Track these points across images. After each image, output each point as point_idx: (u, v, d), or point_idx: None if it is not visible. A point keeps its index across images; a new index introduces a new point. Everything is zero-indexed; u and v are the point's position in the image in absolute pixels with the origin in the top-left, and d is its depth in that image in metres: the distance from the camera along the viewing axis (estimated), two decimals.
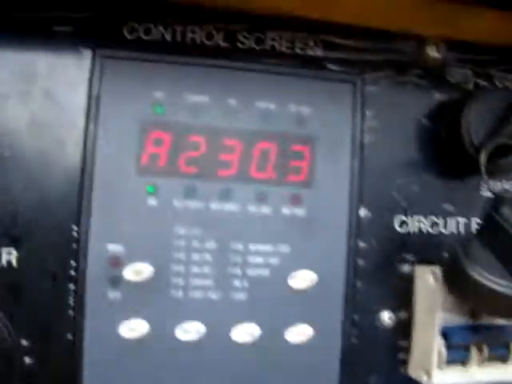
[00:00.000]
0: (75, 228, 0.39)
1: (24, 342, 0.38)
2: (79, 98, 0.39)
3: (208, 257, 0.40)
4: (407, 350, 0.43)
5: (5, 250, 0.38)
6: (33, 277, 0.39)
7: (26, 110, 0.39)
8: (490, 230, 0.38)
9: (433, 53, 0.44)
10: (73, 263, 0.39)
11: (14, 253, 0.38)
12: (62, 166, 0.39)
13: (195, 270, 0.40)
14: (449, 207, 0.44)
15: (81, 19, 0.40)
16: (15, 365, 0.38)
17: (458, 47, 0.45)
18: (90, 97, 0.39)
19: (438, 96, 0.45)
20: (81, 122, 0.39)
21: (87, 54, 0.39)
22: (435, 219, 0.44)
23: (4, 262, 0.38)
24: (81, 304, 0.38)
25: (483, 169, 0.40)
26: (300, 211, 0.41)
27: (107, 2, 0.40)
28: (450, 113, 0.43)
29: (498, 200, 0.38)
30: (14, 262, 0.38)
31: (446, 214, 0.44)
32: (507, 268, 0.37)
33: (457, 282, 0.39)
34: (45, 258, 0.39)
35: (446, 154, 0.44)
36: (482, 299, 0.37)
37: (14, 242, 0.38)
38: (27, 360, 0.38)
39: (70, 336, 0.38)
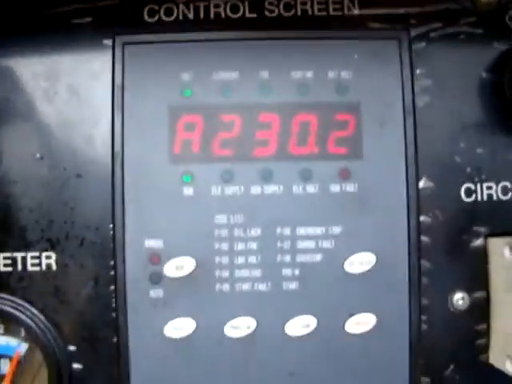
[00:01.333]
0: (111, 226, 0.37)
1: (71, 348, 0.37)
2: (104, 90, 0.37)
3: (253, 245, 0.37)
4: (486, 334, 0.38)
5: (44, 254, 0.37)
6: (74, 280, 0.37)
7: (52, 107, 0.38)
8: None
9: None
10: (111, 263, 0.37)
11: (54, 256, 0.37)
12: (93, 162, 0.37)
13: (241, 260, 0.37)
14: None
15: (99, 9, 0.38)
16: (64, 371, 0.37)
17: None
18: (113, 87, 0.37)
19: (498, 45, 0.39)
20: (108, 115, 0.37)
21: (107, 44, 0.37)
22: (508, 184, 0.38)
23: (44, 266, 0.37)
24: (123, 305, 0.36)
25: None
26: (350, 187, 0.37)
27: None
28: None
29: None
30: (54, 266, 0.37)
31: None
32: None
33: None
34: (84, 260, 0.37)
35: None
36: None
37: (52, 246, 0.37)
38: (75, 365, 0.37)
39: (115, 339, 0.37)
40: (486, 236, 0.38)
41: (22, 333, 0.37)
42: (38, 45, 0.38)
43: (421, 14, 0.39)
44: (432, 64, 0.39)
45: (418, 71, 0.38)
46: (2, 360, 0.37)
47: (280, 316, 0.37)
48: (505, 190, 0.38)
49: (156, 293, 0.36)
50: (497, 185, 0.38)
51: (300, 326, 0.37)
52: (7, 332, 0.38)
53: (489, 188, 0.38)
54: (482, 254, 0.38)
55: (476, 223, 0.38)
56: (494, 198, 0.38)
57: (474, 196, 0.38)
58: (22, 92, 0.38)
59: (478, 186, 0.38)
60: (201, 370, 0.36)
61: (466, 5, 0.39)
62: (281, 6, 0.38)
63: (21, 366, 0.37)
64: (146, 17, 0.38)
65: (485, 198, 0.38)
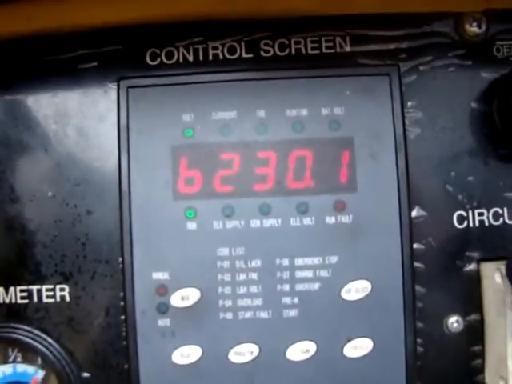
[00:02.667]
0: (120, 260, 0.39)
1: (85, 374, 0.39)
2: (111, 131, 0.40)
3: (254, 276, 0.39)
4: (481, 356, 0.39)
5: (58, 286, 0.39)
6: (86, 310, 0.40)
7: (63, 148, 0.40)
8: None
9: (473, 28, 0.40)
10: (121, 294, 0.39)
11: (67, 288, 0.39)
12: (102, 199, 0.40)
13: (243, 290, 0.39)
14: None
15: (104, 54, 0.40)
16: None
17: (501, 17, 0.41)
18: (119, 128, 0.39)
19: (487, 75, 0.41)
20: (115, 154, 0.39)
21: (112, 87, 0.40)
22: (499, 210, 0.40)
23: (58, 298, 0.39)
24: (133, 334, 0.38)
25: None
26: (345, 218, 0.39)
27: (127, 33, 0.40)
28: (502, 91, 0.39)
29: None
30: (68, 298, 0.39)
31: (510, 204, 0.40)
32: None
33: None
34: (96, 292, 0.40)
35: (502, 138, 0.40)
36: None
37: (65, 279, 0.39)
38: None
39: (126, 366, 0.39)
40: (479, 261, 0.40)
41: (39, 361, 0.40)
42: (47, 89, 0.41)
43: (410, 48, 0.40)
44: (422, 96, 0.40)
45: (408, 104, 0.40)
46: None
47: (281, 342, 0.38)
48: (496, 216, 0.40)
49: (164, 322, 0.38)
50: (488, 211, 0.40)
51: (300, 351, 0.38)
52: (25, 360, 0.40)
53: (480, 214, 0.40)
54: (475, 279, 0.40)
55: (469, 249, 0.40)
56: (486, 223, 0.40)
57: (466, 223, 0.40)
58: (34, 133, 0.40)
59: (470, 212, 0.40)
60: None
61: (454, 38, 0.41)
62: (276, 46, 0.40)
63: None
64: (148, 60, 0.40)
65: (477, 224, 0.40)
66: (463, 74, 0.41)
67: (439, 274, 0.40)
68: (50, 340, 0.39)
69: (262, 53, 0.40)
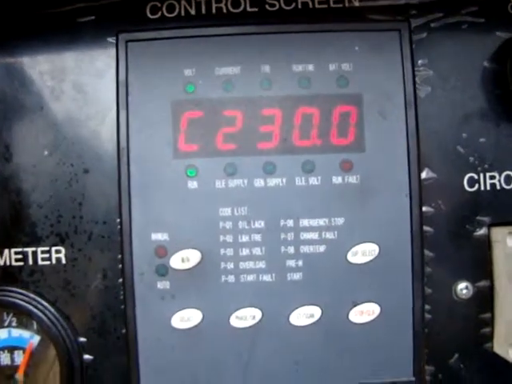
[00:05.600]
0: (118, 220, 0.38)
1: (82, 339, 0.38)
2: (109, 87, 0.38)
3: (257, 237, 0.37)
4: (490, 323, 0.38)
5: (53, 248, 0.38)
6: (83, 273, 0.38)
7: (59, 105, 0.39)
8: None
9: None
10: (119, 256, 0.38)
11: (63, 250, 0.38)
12: (99, 157, 0.38)
13: (245, 252, 0.37)
14: None
15: (103, 7, 0.39)
16: (75, 362, 0.38)
17: None
18: (117, 83, 0.38)
19: (500, 34, 0.39)
20: (113, 111, 0.38)
21: (111, 41, 0.38)
22: (511, 173, 0.38)
23: (54, 260, 0.38)
24: (131, 297, 0.37)
25: None
26: (352, 178, 0.37)
27: None
28: None
29: None
30: (64, 260, 0.38)
31: None
32: None
33: None
34: (92, 254, 0.38)
35: None
36: None
37: (61, 240, 0.38)
38: (86, 356, 0.38)
39: (123, 330, 0.38)
40: (489, 225, 0.38)
41: (35, 325, 0.39)
42: (43, 44, 0.39)
43: (421, 4, 0.39)
44: (433, 54, 0.39)
45: (419, 62, 0.38)
46: (16, 352, 0.39)
47: (285, 306, 0.37)
48: (508, 180, 0.39)
49: (163, 285, 0.37)
50: (500, 174, 0.39)
51: (304, 316, 0.37)
52: (20, 324, 0.39)
53: (492, 177, 0.38)
54: (486, 244, 0.38)
55: (479, 213, 0.38)
56: (498, 187, 0.39)
57: (477, 186, 0.38)
58: (29, 90, 0.39)
59: (481, 175, 0.38)
60: (207, 359, 0.37)
61: None
62: (281, 0, 0.39)
63: (34, 357, 0.38)
64: (148, 14, 0.39)
65: (488, 187, 0.38)
66: (476, 32, 0.39)
67: (449, 239, 0.38)
68: (45, 304, 0.38)
69: (268, 7, 0.39)
